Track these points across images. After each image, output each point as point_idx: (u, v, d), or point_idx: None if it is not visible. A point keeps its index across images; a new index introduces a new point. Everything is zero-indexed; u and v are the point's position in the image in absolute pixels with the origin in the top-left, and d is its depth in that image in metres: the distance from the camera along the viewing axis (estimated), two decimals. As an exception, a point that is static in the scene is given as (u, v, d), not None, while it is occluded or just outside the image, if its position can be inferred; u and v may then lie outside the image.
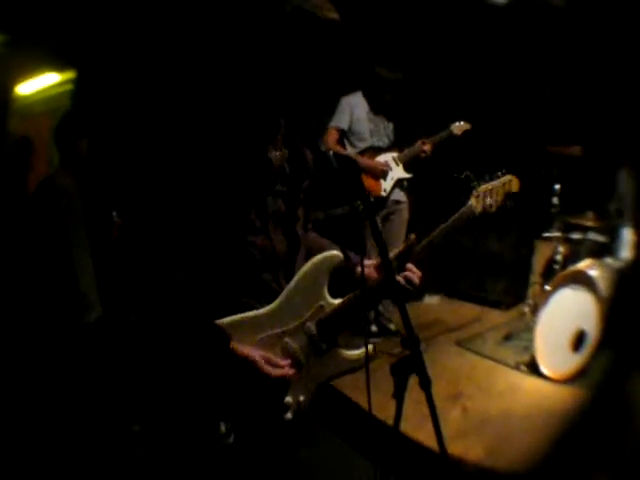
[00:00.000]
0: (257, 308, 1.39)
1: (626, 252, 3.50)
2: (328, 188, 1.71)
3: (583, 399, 2.70)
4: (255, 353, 1.33)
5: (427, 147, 3.70)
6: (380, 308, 3.77)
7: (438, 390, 3.26)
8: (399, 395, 1.29)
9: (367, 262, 1.52)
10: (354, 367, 1.47)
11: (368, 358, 1.38)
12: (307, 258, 1.47)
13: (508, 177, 1.69)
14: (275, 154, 1.44)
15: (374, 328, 3.76)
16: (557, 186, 3.76)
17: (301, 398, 1.41)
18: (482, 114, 4.21)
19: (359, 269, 1.43)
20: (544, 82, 4.51)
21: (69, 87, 3.18)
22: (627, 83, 3.78)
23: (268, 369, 1.32)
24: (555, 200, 3.76)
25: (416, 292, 1.49)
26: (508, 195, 1.67)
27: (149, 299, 1.41)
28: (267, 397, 1.36)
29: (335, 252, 1.45)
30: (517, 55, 4.51)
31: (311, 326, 1.42)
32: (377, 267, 1.52)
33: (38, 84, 3.33)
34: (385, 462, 1.40)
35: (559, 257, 3.71)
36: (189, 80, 2.68)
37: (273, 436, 1.38)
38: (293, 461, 1.53)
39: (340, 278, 1.49)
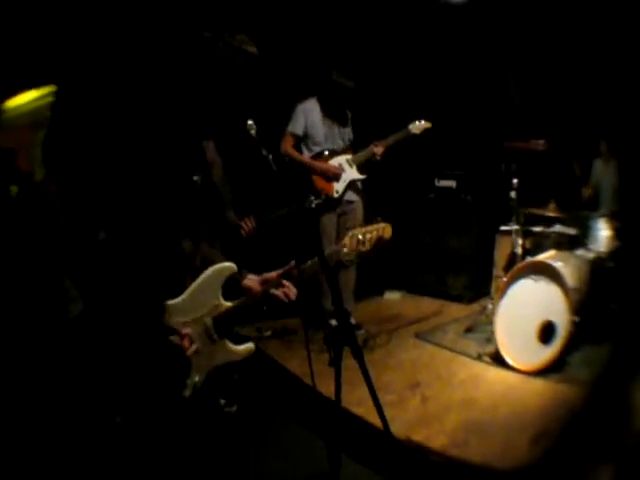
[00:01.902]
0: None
1: (601, 243, 3.51)
2: (268, 190, 1.92)
3: (582, 396, 2.67)
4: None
5: (378, 149, 3.73)
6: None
7: (396, 380, 3.25)
8: (336, 364, 1.49)
9: (252, 277, 1.90)
10: (238, 358, 1.83)
11: (308, 340, 1.73)
12: (201, 263, 1.83)
13: (382, 224, 1.96)
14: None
15: (334, 322, 3.65)
16: (515, 180, 3.76)
17: (197, 379, 1.74)
18: (441, 113, 4.21)
19: (245, 281, 1.86)
20: (503, 79, 4.57)
21: (50, 99, 3.15)
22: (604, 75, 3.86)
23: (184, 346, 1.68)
24: (513, 194, 3.76)
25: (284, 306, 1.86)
26: (380, 239, 1.89)
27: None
28: (171, 377, 1.69)
29: (231, 264, 1.82)
30: (474, 53, 4.56)
31: (207, 320, 1.77)
32: (260, 282, 1.88)
33: (18, 98, 3.30)
34: (334, 439, 1.61)
35: (519, 250, 3.71)
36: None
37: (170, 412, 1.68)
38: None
39: (231, 285, 1.84)
